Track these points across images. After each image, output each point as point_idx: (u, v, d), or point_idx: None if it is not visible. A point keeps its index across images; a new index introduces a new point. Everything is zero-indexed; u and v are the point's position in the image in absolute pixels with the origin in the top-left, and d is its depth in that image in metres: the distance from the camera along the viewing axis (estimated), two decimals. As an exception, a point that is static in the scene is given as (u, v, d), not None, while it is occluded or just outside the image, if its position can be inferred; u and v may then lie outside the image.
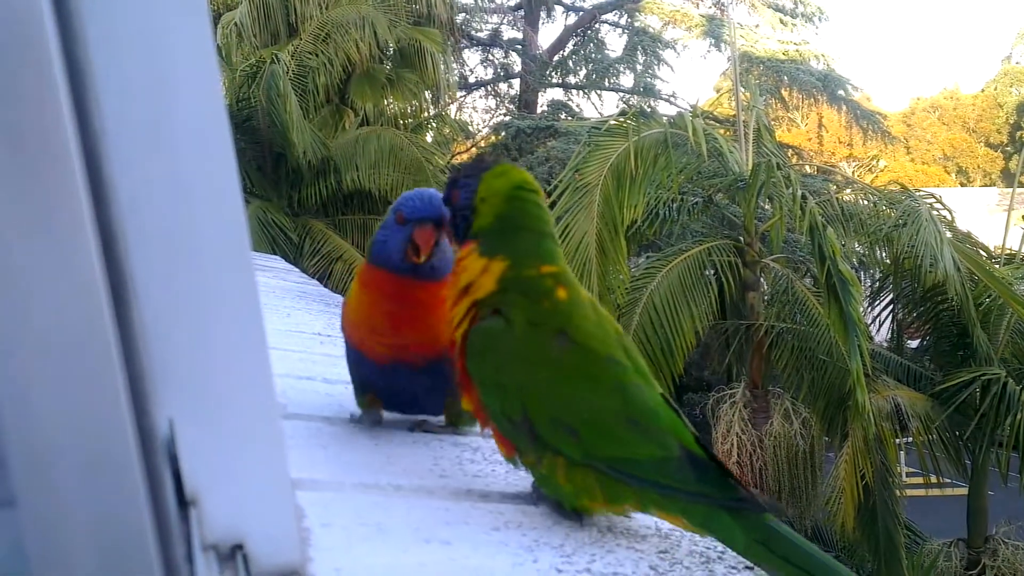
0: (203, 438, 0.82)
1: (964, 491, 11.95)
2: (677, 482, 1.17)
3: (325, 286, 5.99)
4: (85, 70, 0.69)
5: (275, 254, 10.34)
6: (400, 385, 1.61)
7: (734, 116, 13.18)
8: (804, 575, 1.12)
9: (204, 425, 0.82)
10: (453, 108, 24.38)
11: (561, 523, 1.28)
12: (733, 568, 1.23)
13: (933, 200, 11.50)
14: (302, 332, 3.02)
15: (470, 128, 25.18)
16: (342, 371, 2.35)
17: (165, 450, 0.78)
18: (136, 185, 0.77)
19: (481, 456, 1.60)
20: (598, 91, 24.28)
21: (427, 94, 18.08)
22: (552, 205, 10.29)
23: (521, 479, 1.48)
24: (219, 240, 0.82)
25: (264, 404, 0.86)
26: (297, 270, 6.58)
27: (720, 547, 1.29)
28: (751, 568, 1.24)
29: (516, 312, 1.27)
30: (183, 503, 0.81)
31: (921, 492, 15.09)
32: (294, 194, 14.90)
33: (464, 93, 25.02)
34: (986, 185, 48.57)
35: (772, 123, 18.19)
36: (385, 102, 16.95)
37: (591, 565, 1.14)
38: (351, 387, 2.11)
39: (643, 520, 1.35)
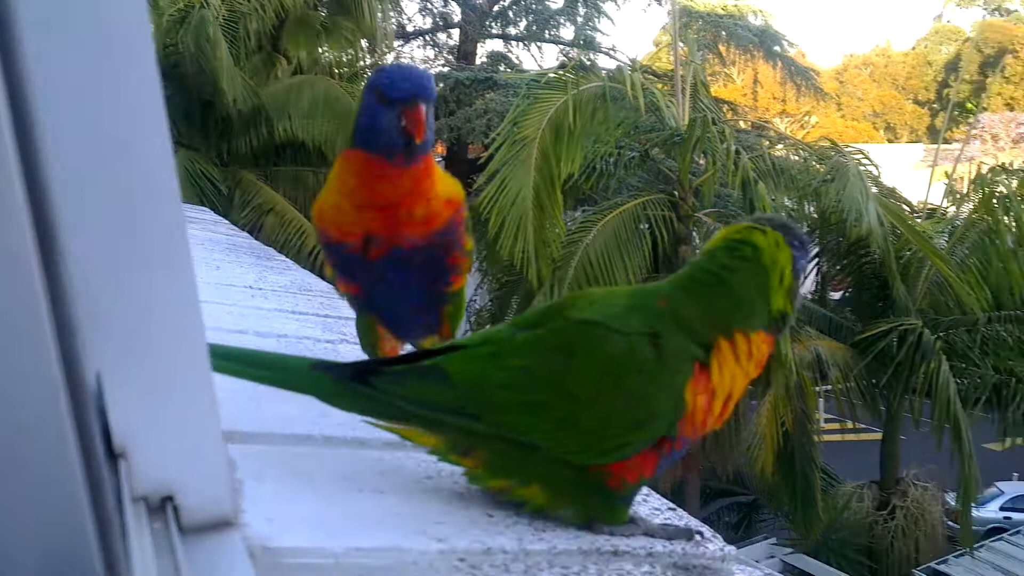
0: (131, 391, 0.82)
1: (878, 436, 12.53)
2: None
3: (256, 239, 5.89)
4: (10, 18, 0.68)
5: (204, 206, 10.09)
6: (398, 280, 1.52)
7: (672, 71, 13.24)
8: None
9: (132, 378, 0.82)
10: (390, 58, 23.84)
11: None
12: (656, 510, 1.28)
13: (861, 156, 11.81)
14: (232, 285, 2.98)
15: (408, 78, 24.73)
16: (273, 324, 2.34)
17: (94, 403, 0.78)
18: (62, 132, 0.75)
19: (414, 408, 1.62)
20: (538, 43, 24.05)
21: (363, 43, 17.62)
22: (490, 159, 10.25)
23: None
24: (148, 190, 0.81)
25: (194, 357, 0.86)
26: (226, 222, 6.44)
27: (645, 489, 1.34)
28: (673, 509, 1.29)
29: None
30: (112, 456, 0.81)
31: (838, 437, 15.73)
32: (224, 144, 14.48)
33: (401, 42, 24.49)
34: (912, 141, 49.91)
35: (709, 78, 18.32)
36: (319, 50, 16.46)
37: (520, 510, 1.18)
38: (285, 340, 2.11)
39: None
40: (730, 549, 1.20)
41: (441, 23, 24.39)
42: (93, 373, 0.81)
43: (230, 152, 14.55)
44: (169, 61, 13.32)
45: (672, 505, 1.33)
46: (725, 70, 29.24)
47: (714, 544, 1.20)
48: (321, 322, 2.39)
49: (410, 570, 0.99)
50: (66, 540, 0.70)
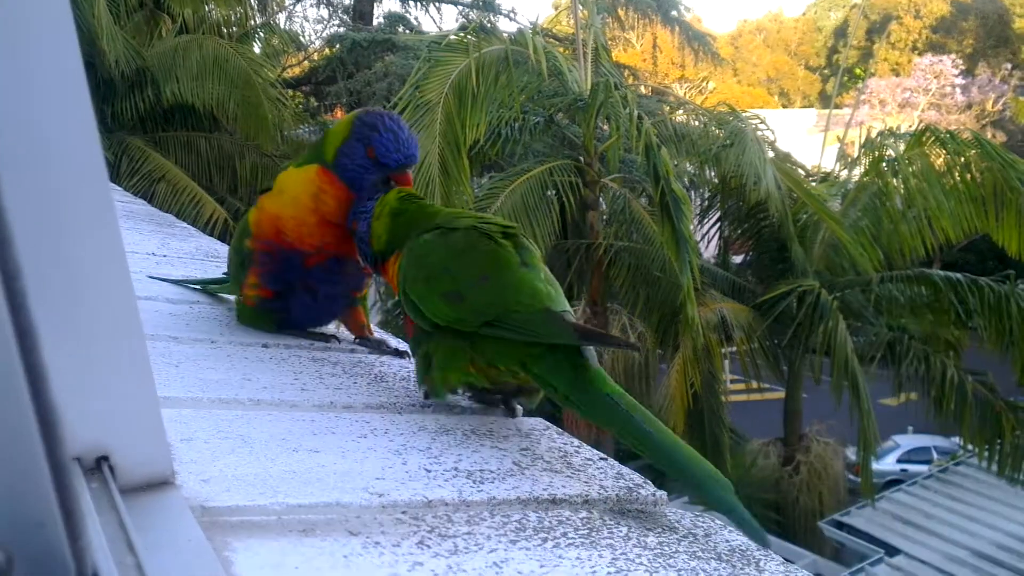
0: (63, 351, 0.79)
1: (781, 395, 12.98)
2: None
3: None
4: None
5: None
6: (330, 279, 1.80)
7: (573, 35, 13.26)
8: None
9: (63, 336, 0.78)
10: (282, 17, 23.09)
11: (428, 428, 1.32)
12: (588, 460, 1.30)
13: (757, 121, 12.09)
14: (135, 252, 2.87)
15: (301, 39, 24.00)
16: (184, 291, 2.27)
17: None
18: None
19: (341, 370, 1.60)
20: (436, 4, 23.65)
21: (252, 1, 17.00)
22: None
23: (384, 390, 1.50)
24: (73, 156, 0.78)
25: (125, 316, 0.83)
26: (120, 188, 6.20)
27: (576, 442, 1.37)
28: (604, 458, 1.31)
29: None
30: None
31: (743, 397, 16.30)
32: (107, 108, 13.70)
33: (293, 1, 23.77)
34: (805, 107, 51.52)
35: (609, 43, 18.43)
36: (206, 8, 15.72)
37: (458, 464, 1.18)
38: (198, 307, 2.04)
39: (504, 422, 1.40)
40: (662, 494, 1.23)
41: (335, -19, 23.72)
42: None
43: (114, 117, 13.84)
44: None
45: (603, 455, 1.36)
46: (624, 35, 29.45)
47: (646, 489, 1.23)
48: (235, 287, 2.32)
49: (354, 524, 0.98)
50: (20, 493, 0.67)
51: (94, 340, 0.81)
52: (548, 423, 1.45)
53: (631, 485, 1.23)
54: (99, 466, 0.81)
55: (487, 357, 1.35)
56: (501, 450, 1.27)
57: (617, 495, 1.20)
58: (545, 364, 1.31)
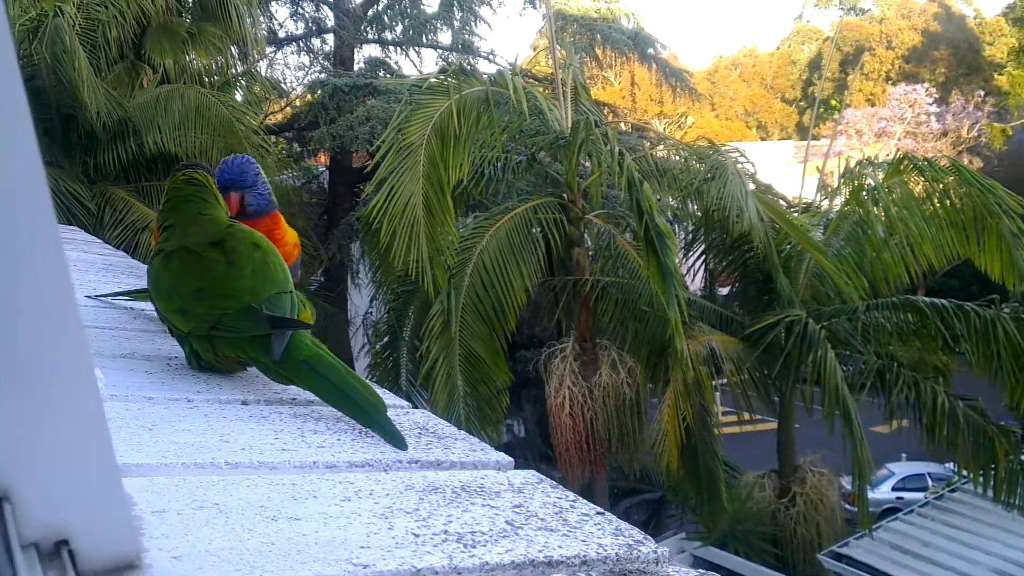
0: (12, 424, 0.73)
1: (774, 425, 12.88)
2: None
3: (133, 259, 5.56)
4: None
5: (71, 225, 9.56)
6: None
7: (552, 74, 13.36)
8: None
9: (13, 409, 0.72)
10: (263, 65, 23.13)
11: (415, 486, 1.25)
12: (585, 516, 1.24)
13: (737, 154, 12.15)
14: (113, 307, 2.80)
15: (283, 86, 24.08)
16: (161, 347, 2.20)
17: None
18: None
19: (324, 426, 1.53)
20: (416, 48, 23.79)
21: (233, 49, 17.02)
22: (376, 167, 10.08)
23: (369, 446, 1.44)
24: (17, 206, 0.72)
25: (80, 384, 0.77)
26: (100, 241, 6.11)
27: (572, 496, 1.31)
28: (602, 513, 1.25)
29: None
30: (-8, 502, 0.71)
31: (736, 429, 16.18)
32: (89, 159, 13.63)
33: (274, 49, 23.79)
34: (783, 139, 52.08)
35: (588, 81, 18.57)
36: (187, 58, 15.73)
37: (447, 526, 1.12)
38: (176, 363, 1.98)
39: (496, 478, 1.34)
40: (664, 551, 1.17)
41: (314, 28, 23.85)
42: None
43: (96, 168, 13.76)
44: (24, 74, 12.49)
45: (600, 510, 1.30)
46: (603, 73, 29.77)
47: (647, 547, 1.17)
48: (214, 340, 2.25)
49: (337, 601, 0.92)
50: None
51: (47, 414, 0.75)
52: (541, 476, 1.39)
53: (631, 542, 1.17)
54: (58, 551, 0.75)
55: (222, 351, 1.76)
56: (493, 508, 1.20)
57: (616, 554, 1.13)
58: (255, 349, 1.69)
